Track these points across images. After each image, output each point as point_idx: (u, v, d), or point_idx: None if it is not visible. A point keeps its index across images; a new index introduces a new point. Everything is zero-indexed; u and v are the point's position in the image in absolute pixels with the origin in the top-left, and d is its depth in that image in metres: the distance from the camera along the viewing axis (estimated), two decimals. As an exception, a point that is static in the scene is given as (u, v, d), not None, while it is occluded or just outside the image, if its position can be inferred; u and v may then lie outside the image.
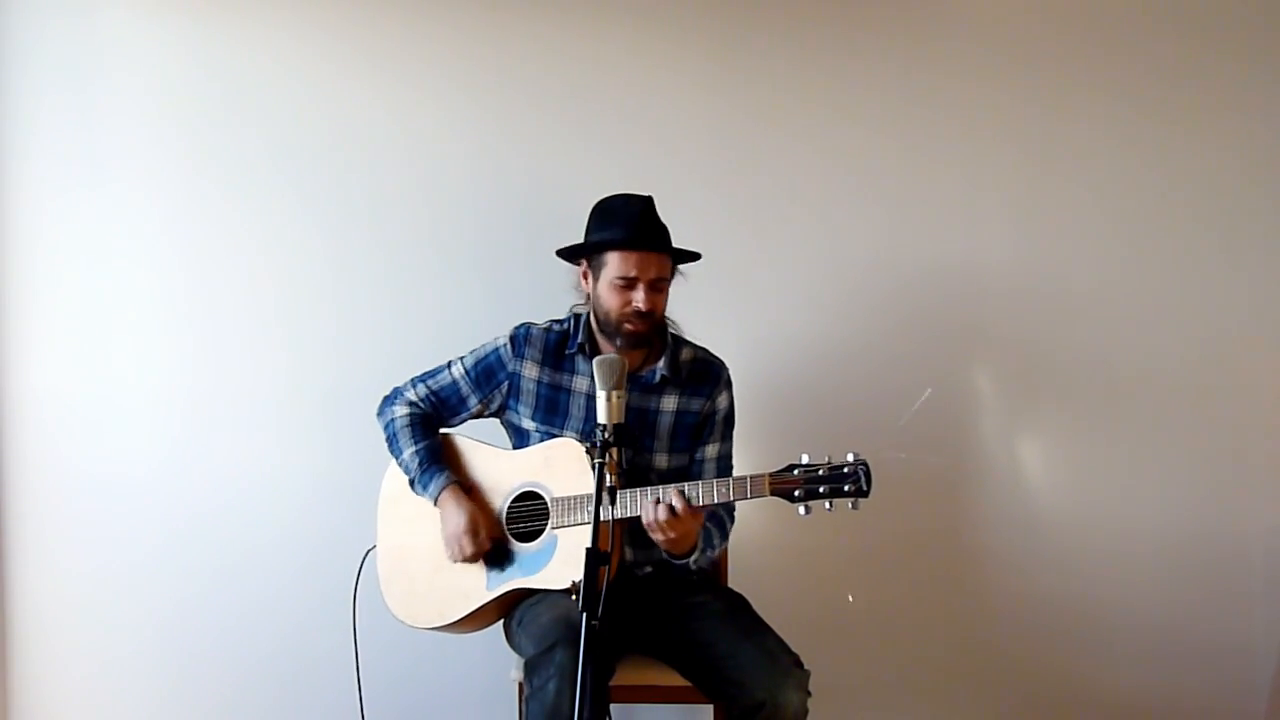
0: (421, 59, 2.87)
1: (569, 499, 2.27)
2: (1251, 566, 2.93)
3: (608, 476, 1.93)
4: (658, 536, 2.14)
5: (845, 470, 2.05)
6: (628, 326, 2.31)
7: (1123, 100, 2.89)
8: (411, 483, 2.40)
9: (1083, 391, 2.93)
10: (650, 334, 2.35)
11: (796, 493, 2.07)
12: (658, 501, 2.11)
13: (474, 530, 2.31)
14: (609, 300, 2.32)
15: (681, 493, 2.12)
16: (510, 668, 2.39)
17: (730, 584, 2.56)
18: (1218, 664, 2.93)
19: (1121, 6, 2.91)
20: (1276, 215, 2.91)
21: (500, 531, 2.35)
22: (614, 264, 2.31)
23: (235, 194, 2.86)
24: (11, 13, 2.82)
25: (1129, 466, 2.93)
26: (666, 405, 2.39)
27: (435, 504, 2.37)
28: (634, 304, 2.29)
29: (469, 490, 2.39)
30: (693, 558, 2.25)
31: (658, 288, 2.32)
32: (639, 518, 2.17)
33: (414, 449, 2.40)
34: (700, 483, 2.15)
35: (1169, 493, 2.93)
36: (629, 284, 2.30)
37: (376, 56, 2.87)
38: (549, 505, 2.30)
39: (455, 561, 2.34)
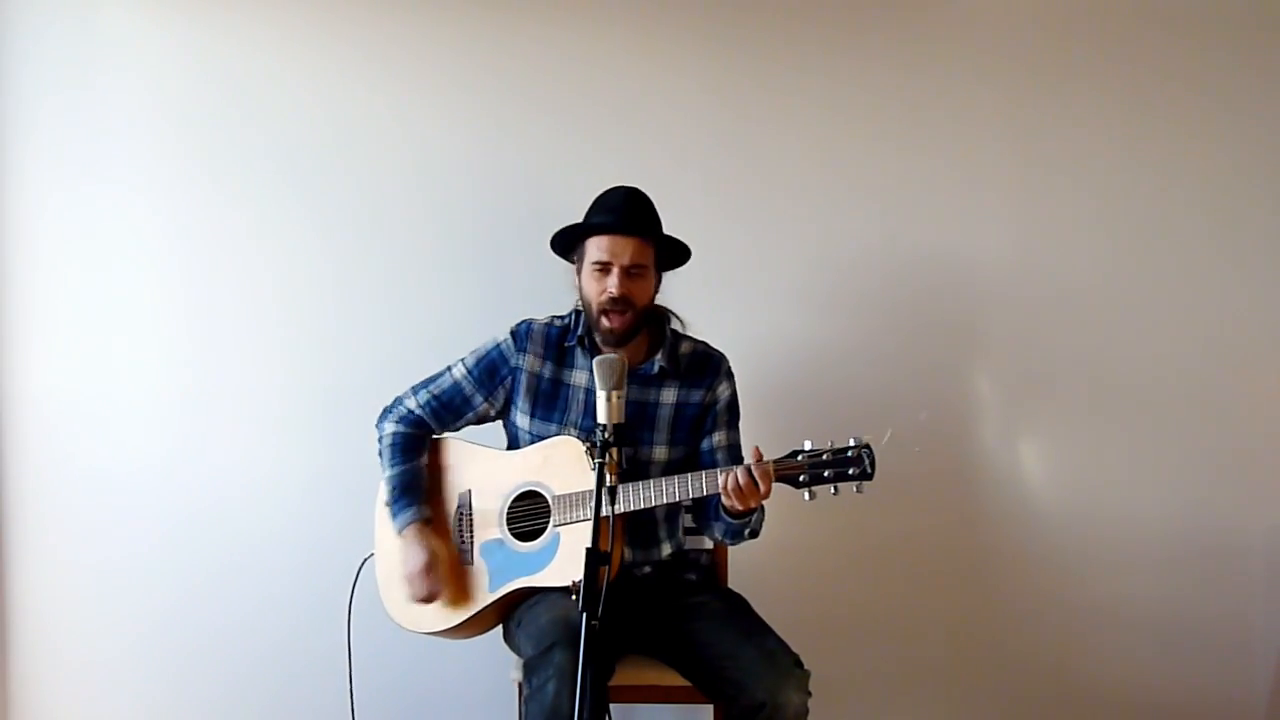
0: (421, 58, 2.87)
1: (571, 496, 2.27)
2: (1252, 565, 2.93)
3: (608, 476, 1.93)
4: (737, 503, 2.12)
5: (849, 454, 2.08)
6: (605, 323, 2.29)
7: (1122, 100, 2.88)
8: (388, 504, 2.40)
9: (1083, 390, 2.92)
10: (630, 329, 2.31)
11: (801, 478, 2.10)
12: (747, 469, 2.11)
13: (429, 570, 2.30)
14: (588, 288, 2.32)
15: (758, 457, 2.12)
16: (509, 668, 2.39)
17: (730, 584, 2.56)
18: (1218, 662, 2.93)
19: (1121, 7, 2.91)
20: (1276, 215, 2.91)
21: (500, 533, 2.34)
22: (591, 249, 2.31)
23: (235, 193, 2.86)
24: (11, 13, 2.82)
25: (1129, 465, 2.92)
26: (666, 397, 2.39)
27: (399, 536, 2.36)
28: (608, 290, 2.27)
29: (438, 523, 2.37)
30: (754, 516, 2.25)
31: (635, 274, 2.29)
32: (641, 514, 2.18)
33: (392, 472, 2.39)
34: (705, 472, 2.17)
35: (1169, 491, 2.92)
36: (604, 269, 2.29)
37: (376, 55, 2.86)
38: (551, 503, 2.30)
39: (412, 602, 2.34)
